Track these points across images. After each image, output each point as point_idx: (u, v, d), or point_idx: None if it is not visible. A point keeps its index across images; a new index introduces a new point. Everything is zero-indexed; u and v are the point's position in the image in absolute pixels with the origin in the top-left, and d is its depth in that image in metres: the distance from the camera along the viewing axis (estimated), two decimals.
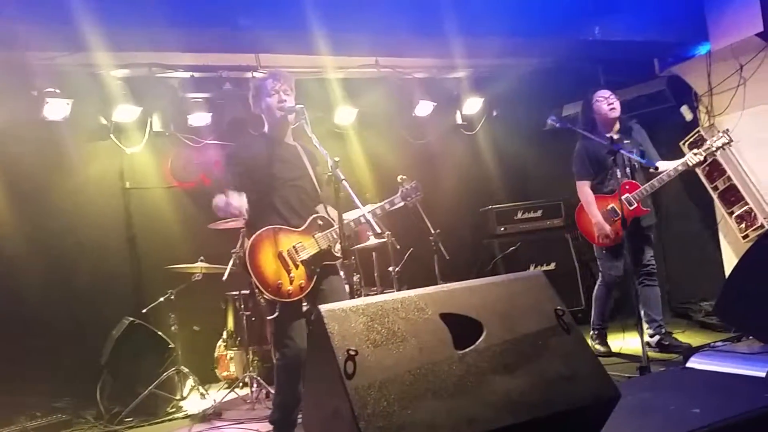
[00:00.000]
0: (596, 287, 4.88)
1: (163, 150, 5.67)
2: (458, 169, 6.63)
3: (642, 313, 4.60)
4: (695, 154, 4.34)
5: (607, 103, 4.56)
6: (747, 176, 5.35)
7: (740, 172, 5.37)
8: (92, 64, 4.62)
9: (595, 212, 4.60)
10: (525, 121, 6.46)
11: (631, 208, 4.44)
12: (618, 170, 4.22)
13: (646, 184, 4.44)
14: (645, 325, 4.81)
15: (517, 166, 6.84)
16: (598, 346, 4.81)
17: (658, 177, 4.41)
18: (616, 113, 4.57)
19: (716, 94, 5.46)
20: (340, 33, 4.03)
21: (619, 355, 4.75)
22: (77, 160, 5.28)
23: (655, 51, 5.58)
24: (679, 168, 4.35)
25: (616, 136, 4.43)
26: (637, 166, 4.56)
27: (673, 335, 4.81)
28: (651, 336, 4.71)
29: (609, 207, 4.55)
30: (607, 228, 4.53)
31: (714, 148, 4.38)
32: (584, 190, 4.69)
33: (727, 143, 4.39)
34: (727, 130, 4.55)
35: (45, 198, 5.15)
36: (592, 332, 4.90)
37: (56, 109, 4.74)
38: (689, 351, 4.14)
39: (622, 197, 4.36)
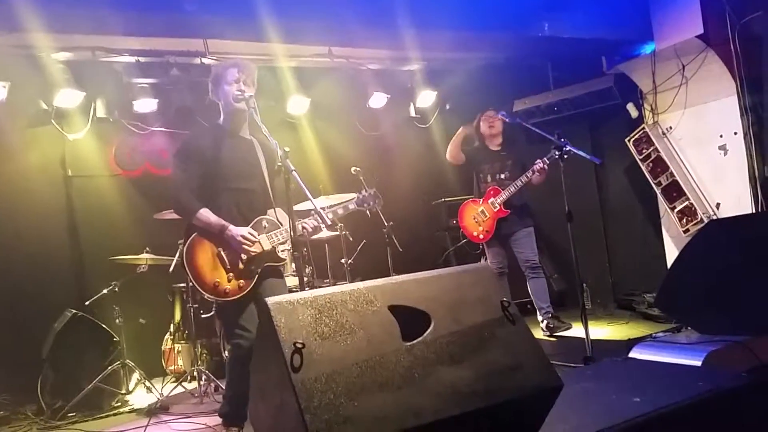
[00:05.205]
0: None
1: (107, 137, 5.49)
2: (412, 161, 6.65)
3: (534, 302, 5.11)
4: (536, 164, 4.79)
5: (488, 123, 5.25)
6: (688, 173, 5.53)
7: (682, 168, 5.55)
8: (31, 45, 4.40)
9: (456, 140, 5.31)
10: (477, 115, 6.51)
11: (495, 210, 5.07)
12: (489, 176, 5.16)
13: (504, 191, 5.04)
14: (538, 315, 5.21)
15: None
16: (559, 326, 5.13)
17: (513, 183, 4.99)
18: (495, 131, 5.25)
19: (660, 93, 5.62)
20: (291, 20, 3.94)
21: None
22: (16, 145, 5.06)
23: (603, 49, 5.69)
24: (528, 174, 4.87)
25: (498, 148, 5.26)
26: (508, 174, 5.12)
27: (558, 317, 5.22)
28: (541, 322, 5.14)
29: (479, 210, 5.16)
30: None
31: (556, 156, 4.35)
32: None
33: (562, 154, 4.31)
34: (670, 127, 4.68)
35: None
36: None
37: None
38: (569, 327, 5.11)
39: (488, 201, 5.09)
